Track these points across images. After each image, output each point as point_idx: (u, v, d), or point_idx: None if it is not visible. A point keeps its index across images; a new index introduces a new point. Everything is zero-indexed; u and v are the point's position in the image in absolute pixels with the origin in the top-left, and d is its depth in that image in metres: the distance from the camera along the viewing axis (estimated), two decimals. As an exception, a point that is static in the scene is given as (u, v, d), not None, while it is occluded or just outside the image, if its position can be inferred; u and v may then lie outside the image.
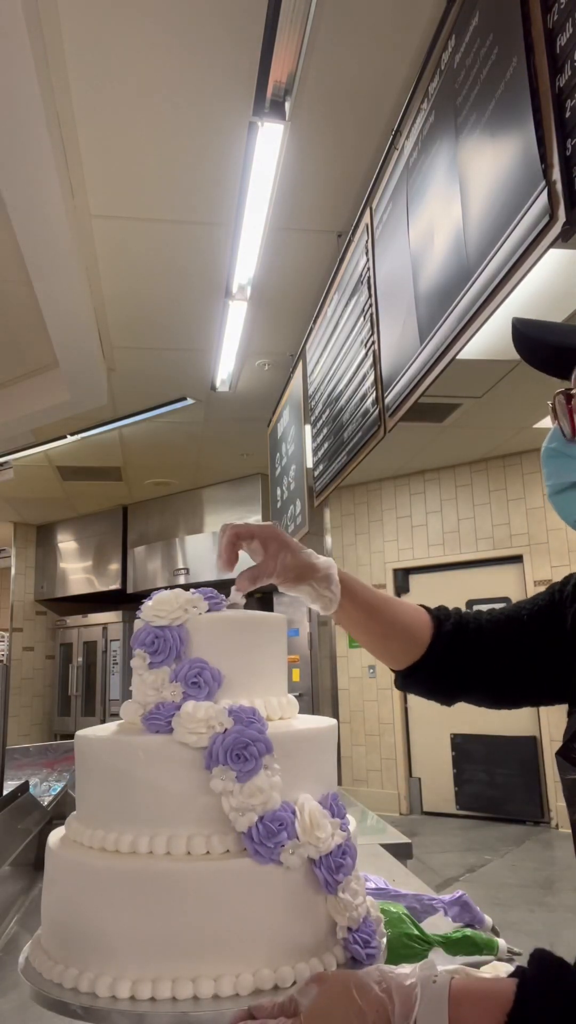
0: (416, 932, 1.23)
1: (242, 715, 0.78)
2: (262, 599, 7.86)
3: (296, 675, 7.31)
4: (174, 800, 0.77)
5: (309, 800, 0.79)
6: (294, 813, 0.76)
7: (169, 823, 0.76)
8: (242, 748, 0.75)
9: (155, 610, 0.85)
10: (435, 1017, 0.61)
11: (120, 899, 0.73)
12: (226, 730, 0.77)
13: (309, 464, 3.90)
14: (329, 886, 0.76)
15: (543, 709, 5.93)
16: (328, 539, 5.22)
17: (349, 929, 0.77)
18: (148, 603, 0.87)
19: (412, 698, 6.96)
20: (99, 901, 0.74)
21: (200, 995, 0.69)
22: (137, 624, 0.87)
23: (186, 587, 0.90)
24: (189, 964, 0.71)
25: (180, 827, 0.76)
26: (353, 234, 3.00)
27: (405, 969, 0.67)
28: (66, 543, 8.56)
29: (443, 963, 0.83)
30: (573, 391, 0.85)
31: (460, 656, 1.00)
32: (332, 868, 0.76)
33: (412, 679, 1.02)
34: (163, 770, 0.77)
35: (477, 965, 1.13)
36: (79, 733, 0.86)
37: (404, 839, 2.17)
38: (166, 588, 0.91)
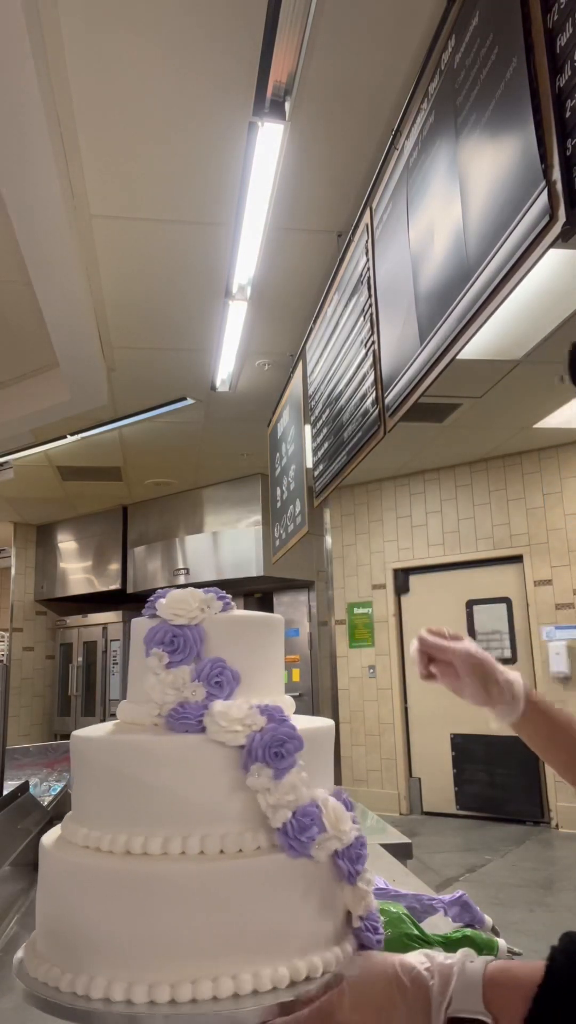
0: (416, 932, 1.22)
1: (273, 714, 0.79)
2: (262, 599, 7.87)
3: (296, 675, 7.32)
4: (201, 798, 0.77)
5: (328, 795, 0.80)
6: (318, 808, 0.77)
7: (201, 822, 0.76)
8: (279, 746, 0.77)
9: (173, 609, 0.85)
10: (469, 994, 0.67)
11: (122, 901, 0.73)
12: (262, 728, 0.78)
13: (309, 464, 3.90)
14: (351, 876, 0.78)
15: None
16: (328, 539, 5.20)
17: (361, 918, 0.79)
18: (162, 601, 0.86)
19: (412, 698, 6.97)
20: (98, 901, 0.74)
21: (219, 995, 0.69)
22: (141, 623, 0.87)
23: (184, 587, 0.90)
24: (212, 963, 0.71)
25: (210, 826, 0.76)
26: (353, 234, 3.00)
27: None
28: (66, 543, 8.57)
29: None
30: None
31: None
32: (353, 859, 0.78)
33: None
34: (186, 770, 0.77)
35: (477, 965, 1.13)
36: (74, 733, 0.85)
37: (404, 839, 2.16)
38: (166, 588, 0.90)
